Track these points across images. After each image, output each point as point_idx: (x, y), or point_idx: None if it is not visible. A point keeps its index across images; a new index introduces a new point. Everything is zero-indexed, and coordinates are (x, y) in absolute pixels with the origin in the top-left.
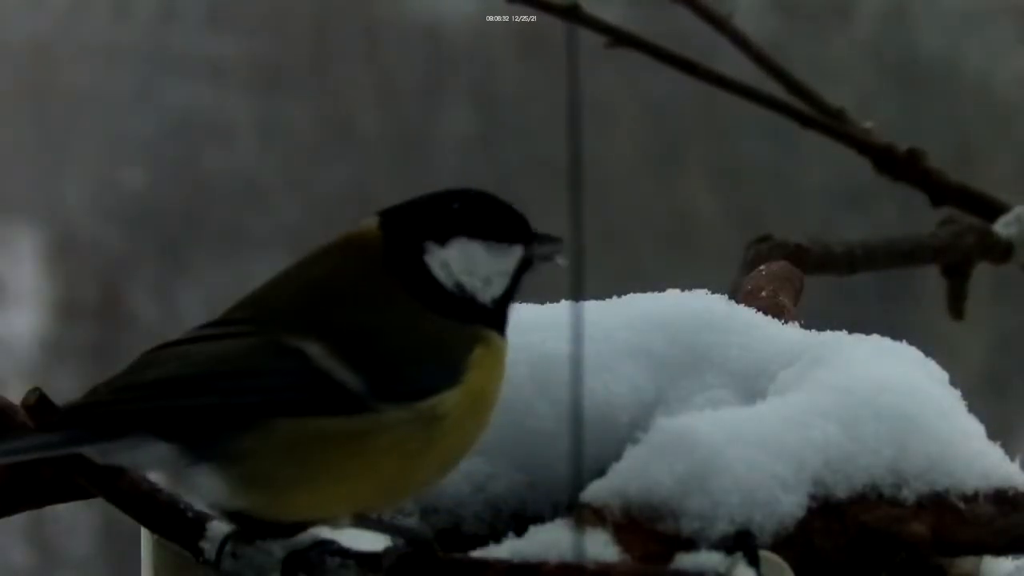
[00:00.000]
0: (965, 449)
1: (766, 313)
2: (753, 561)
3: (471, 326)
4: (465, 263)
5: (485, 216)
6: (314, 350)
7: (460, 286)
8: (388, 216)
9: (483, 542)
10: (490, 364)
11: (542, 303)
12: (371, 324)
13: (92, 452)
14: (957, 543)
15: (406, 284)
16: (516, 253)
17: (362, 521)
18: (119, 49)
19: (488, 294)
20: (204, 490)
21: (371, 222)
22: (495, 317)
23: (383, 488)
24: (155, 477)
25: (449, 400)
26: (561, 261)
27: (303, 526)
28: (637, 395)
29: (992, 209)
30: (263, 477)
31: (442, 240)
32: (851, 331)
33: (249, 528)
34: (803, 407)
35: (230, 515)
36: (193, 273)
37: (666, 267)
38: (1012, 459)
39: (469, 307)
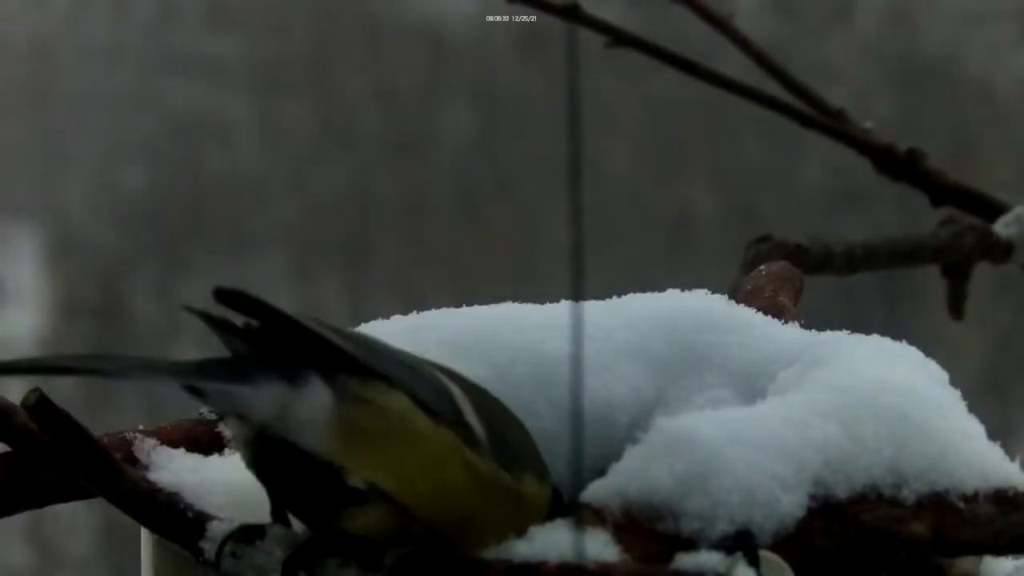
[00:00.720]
0: (965, 449)
1: (766, 313)
2: (753, 561)
3: None
4: None
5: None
6: (458, 394)
7: None
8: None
9: None
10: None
11: (542, 303)
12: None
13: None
14: (957, 543)
15: None
16: None
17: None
18: (119, 49)
19: None
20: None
21: (543, 492)
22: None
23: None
24: (154, 477)
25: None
26: None
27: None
28: (637, 395)
29: (992, 209)
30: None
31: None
32: (851, 331)
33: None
34: (803, 407)
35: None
36: (193, 273)
37: (666, 267)
38: (1012, 459)
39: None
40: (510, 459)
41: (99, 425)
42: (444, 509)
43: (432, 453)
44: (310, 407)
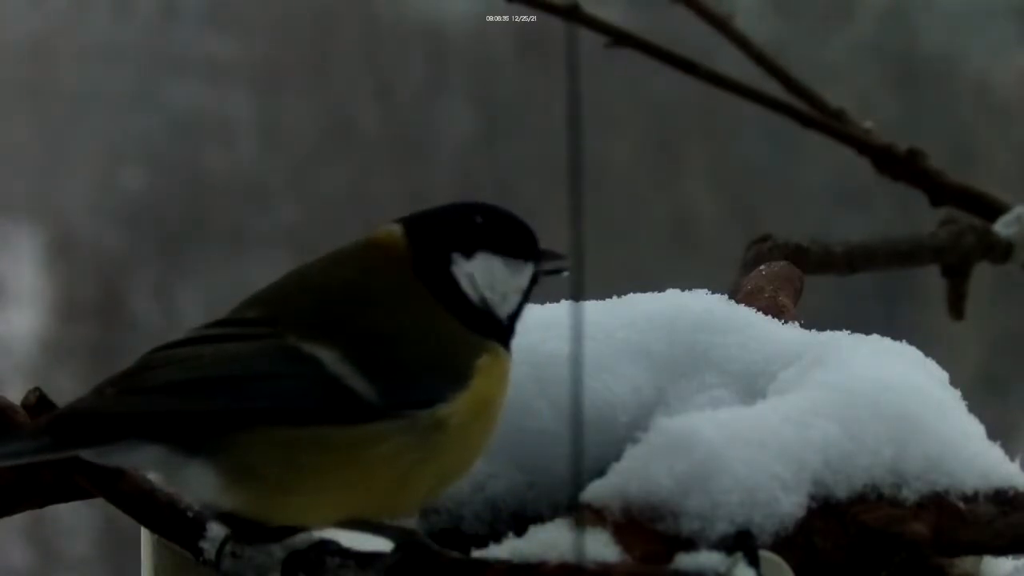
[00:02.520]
0: (965, 449)
1: (766, 313)
2: (753, 561)
3: (485, 339)
4: (488, 278)
5: (504, 232)
6: (328, 356)
7: (483, 300)
8: (411, 224)
9: (483, 542)
10: (497, 375)
11: (542, 303)
12: (391, 330)
13: (88, 455)
14: (957, 543)
15: (435, 293)
16: (529, 270)
17: (352, 523)
18: (119, 49)
19: (504, 310)
20: (196, 488)
21: (394, 229)
22: (507, 333)
23: (379, 498)
24: (155, 477)
25: (451, 409)
26: (565, 274)
27: (293, 530)
28: (637, 395)
29: (992, 209)
30: (256, 478)
31: (468, 253)
32: (851, 331)
33: (240, 530)
34: (803, 407)
35: (221, 516)
36: (193, 273)
37: (666, 267)
38: (1012, 459)
39: (488, 321)
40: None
41: None
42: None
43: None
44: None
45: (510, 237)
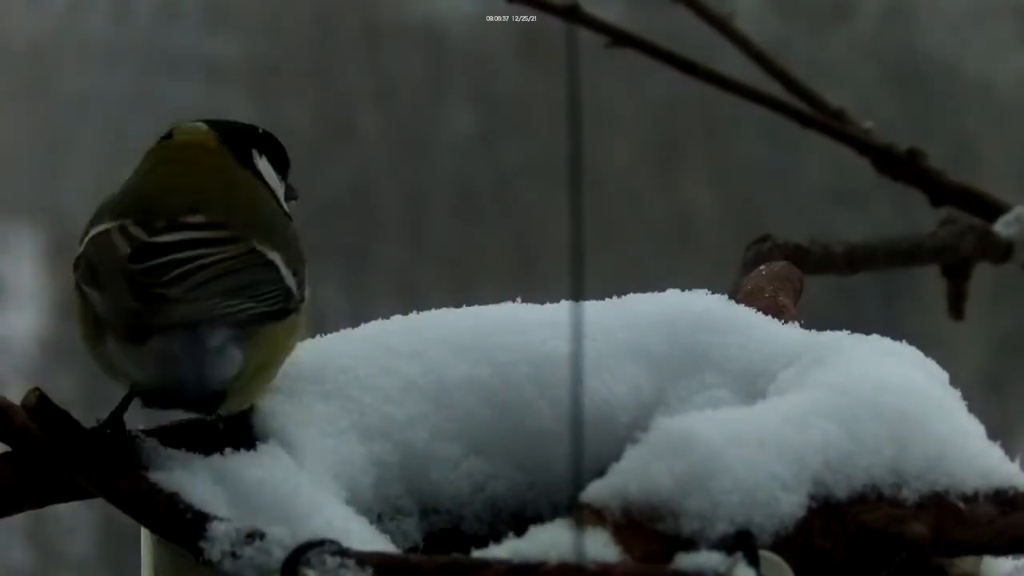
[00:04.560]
0: (965, 449)
1: (766, 313)
2: (753, 561)
3: None
4: (271, 177)
5: (274, 146)
6: (278, 259)
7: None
8: (213, 125)
9: (483, 542)
10: None
11: (542, 303)
12: (285, 227)
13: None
14: (957, 543)
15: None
16: (283, 188)
17: None
18: (119, 49)
19: None
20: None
21: (198, 126)
22: None
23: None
24: (154, 477)
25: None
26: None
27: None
28: (637, 395)
29: (992, 209)
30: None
31: (260, 152)
32: (851, 331)
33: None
34: (803, 407)
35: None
36: None
37: (666, 267)
38: (1012, 459)
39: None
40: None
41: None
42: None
43: None
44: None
45: (279, 152)
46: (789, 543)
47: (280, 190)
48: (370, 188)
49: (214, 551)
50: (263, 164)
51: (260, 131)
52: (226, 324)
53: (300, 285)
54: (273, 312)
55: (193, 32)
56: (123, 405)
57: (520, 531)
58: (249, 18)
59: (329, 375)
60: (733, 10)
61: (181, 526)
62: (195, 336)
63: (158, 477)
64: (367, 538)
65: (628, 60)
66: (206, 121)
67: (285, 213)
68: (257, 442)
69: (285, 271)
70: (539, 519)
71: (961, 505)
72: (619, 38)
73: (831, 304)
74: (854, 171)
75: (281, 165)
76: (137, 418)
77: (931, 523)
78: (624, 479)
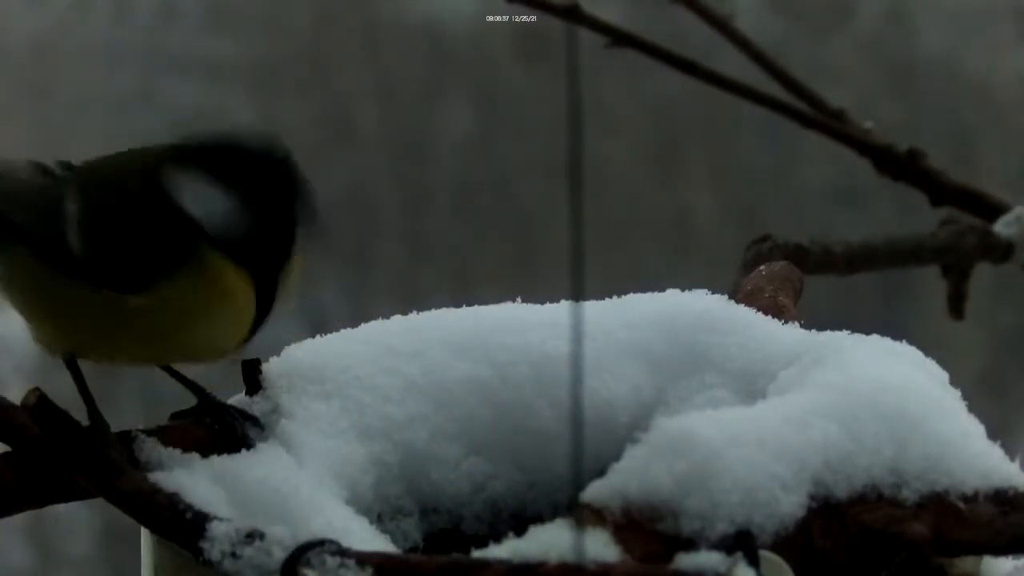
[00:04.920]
0: (965, 449)
1: (766, 313)
2: (753, 561)
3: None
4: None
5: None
6: (71, 209)
7: None
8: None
9: (483, 542)
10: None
11: (542, 303)
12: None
13: None
14: (957, 543)
15: None
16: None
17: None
18: (119, 49)
19: None
20: None
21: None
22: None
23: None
24: (154, 477)
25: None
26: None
27: None
28: (637, 395)
29: (992, 209)
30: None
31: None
32: (851, 331)
33: None
34: (803, 407)
35: None
36: None
37: (666, 267)
38: (1012, 459)
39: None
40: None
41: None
42: (73, 332)
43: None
44: None
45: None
46: (789, 543)
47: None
48: (370, 188)
49: (214, 551)
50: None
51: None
52: None
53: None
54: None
55: (193, 32)
56: (89, 399)
57: (520, 531)
58: (249, 18)
59: (329, 375)
60: (733, 10)
61: (181, 526)
62: None
63: (158, 477)
64: (367, 538)
65: (628, 60)
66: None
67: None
68: (257, 442)
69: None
70: (539, 519)
71: (961, 505)
72: (619, 38)
73: (831, 304)
74: (854, 171)
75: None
76: (137, 418)
77: (931, 523)
78: (624, 479)
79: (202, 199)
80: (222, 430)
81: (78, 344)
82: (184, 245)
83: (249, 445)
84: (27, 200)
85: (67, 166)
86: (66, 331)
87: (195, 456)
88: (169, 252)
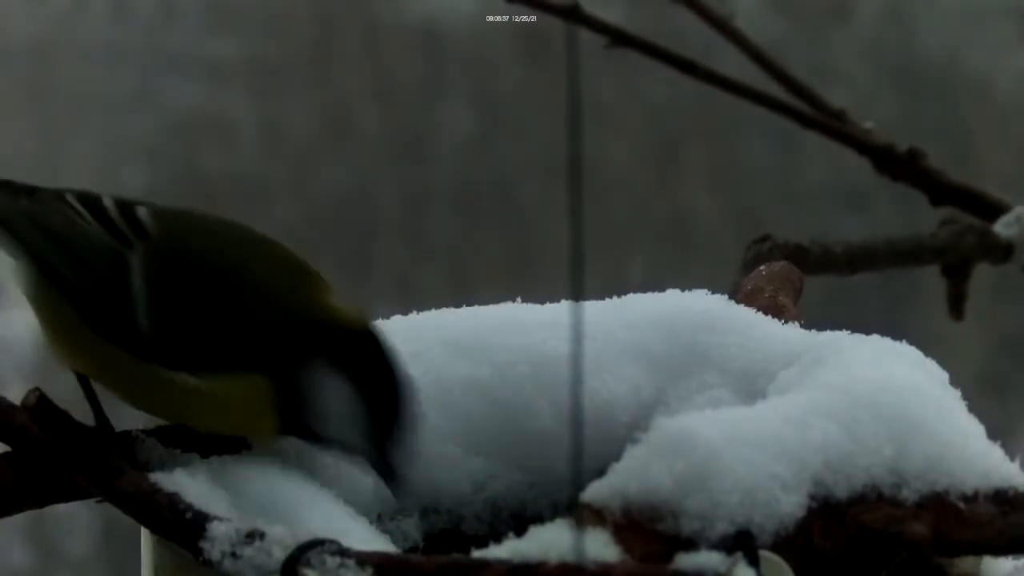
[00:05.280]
0: (965, 449)
1: (766, 313)
2: (753, 561)
3: None
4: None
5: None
6: (140, 285)
7: None
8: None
9: (483, 542)
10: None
11: (542, 303)
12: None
13: None
14: (957, 543)
15: None
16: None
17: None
18: (119, 49)
19: None
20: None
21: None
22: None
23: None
24: (154, 477)
25: None
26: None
27: None
28: (637, 395)
29: (992, 209)
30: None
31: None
32: (851, 331)
33: None
34: (803, 407)
35: None
36: None
37: (666, 267)
38: (1012, 459)
39: None
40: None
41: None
42: (108, 382)
43: (53, 325)
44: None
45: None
46: (789, 543)
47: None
48: (370, 188)
49: (214, 551)
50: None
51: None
52: None
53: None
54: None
55: (193, 32)
56: (95, 401)
57: (520, 531)
58: (249, 18)
59: None
60: (733, 10)
61: (181, 526)
62: None
63: (158, 477)
64: (367, 538)
65: (628, 60)
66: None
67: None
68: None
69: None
70: (539, 519)
71: (961, 505)
72: (619, 38)
73: (831, 304)
74: (854, 171)
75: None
76: (137, 418)
77: (931, 523)
78: (624, 479)
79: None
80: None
81: (106, 385)
82: (251, 363)
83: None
84: (84, 255)
85: (128, 214)
86: (97, 373)
87: (195, 456)
88: (237, 360)
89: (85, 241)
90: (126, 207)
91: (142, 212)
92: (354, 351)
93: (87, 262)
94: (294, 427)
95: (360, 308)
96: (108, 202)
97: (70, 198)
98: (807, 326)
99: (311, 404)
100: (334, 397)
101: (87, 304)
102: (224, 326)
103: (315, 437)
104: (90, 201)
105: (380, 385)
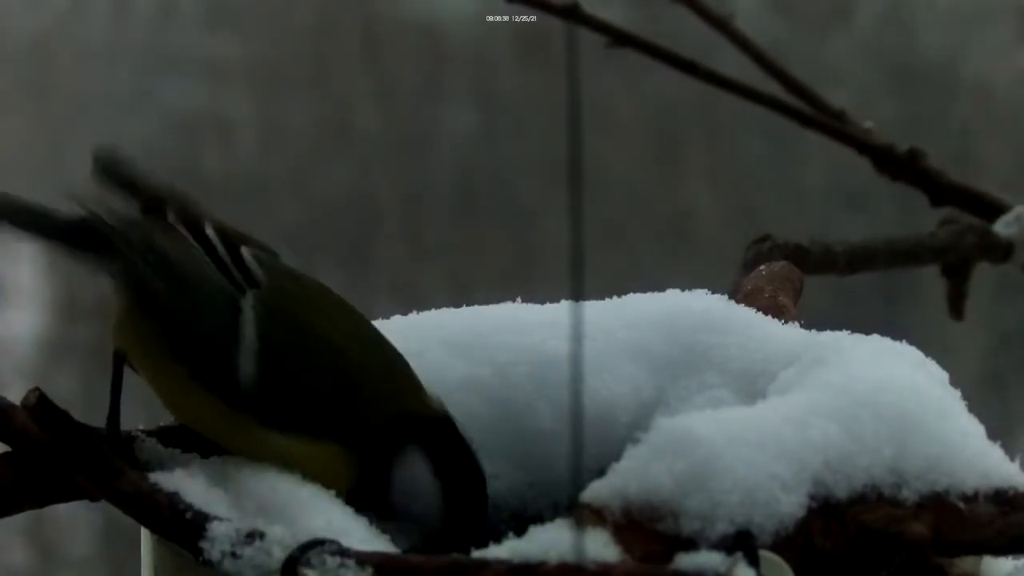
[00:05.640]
0: (965, 449)
1: (766, 313)
2: (753, 561)
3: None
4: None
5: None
6: (251, 336)
7: None
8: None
9: (483, 542)
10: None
11: (542, 303)
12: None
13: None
14: (957, 543)
15: None
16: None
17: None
18: (119, 49)
19: None
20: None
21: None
22: None
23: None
24: (154, 477)
25: None
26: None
27: None
28: (637, 395)
29: (992, 209)
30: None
31: None
32: (851, 331)
33: None
34: (803, 407)
35: None
36: None
37: (666, 267)
38: (1012, 459)
39: None
40: (289, 412)
41: (99, 425)
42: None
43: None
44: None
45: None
46: (789, 543)
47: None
48: (370, 188)
49: (214, 551)
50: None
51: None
52: None
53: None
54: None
55: (193, 32)
56: (114, 407)
57: (520, 531)
58: (249, 18)
59: None
60: (733, 10)
61: (181, 526)
62: None
63: (158, 477)
64: (367, 538)
65: (628, 60)
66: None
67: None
68: None
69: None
70: (539, 519)
71: (961, 505)
72: (619, 38)
73: (831, 304)
74: (854, 171)
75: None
76: (137, 418)
77: (931, 523)
78: (624, 479)
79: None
80: None
81: (171, 411)
82: (340, 436)
83: None
84: (198, 290)
85: (235, 254)
86: (165, 398)
87: (195, 456)
88: (326, 430)
89: (200, 278)
90: (230, 244)
91: (247, 254)
92: (439, 440)
93: (199, 298)
94: (368, 500)
95: (439, 400)
96: (211, 231)
97: (176, 224)
98: (807, 326)
99: (395, 482)
100: (418, 479)
101: (187, 341)
102: (324, 396)
103: (387, 512)
104: (193, 225)
105: (461, 474)
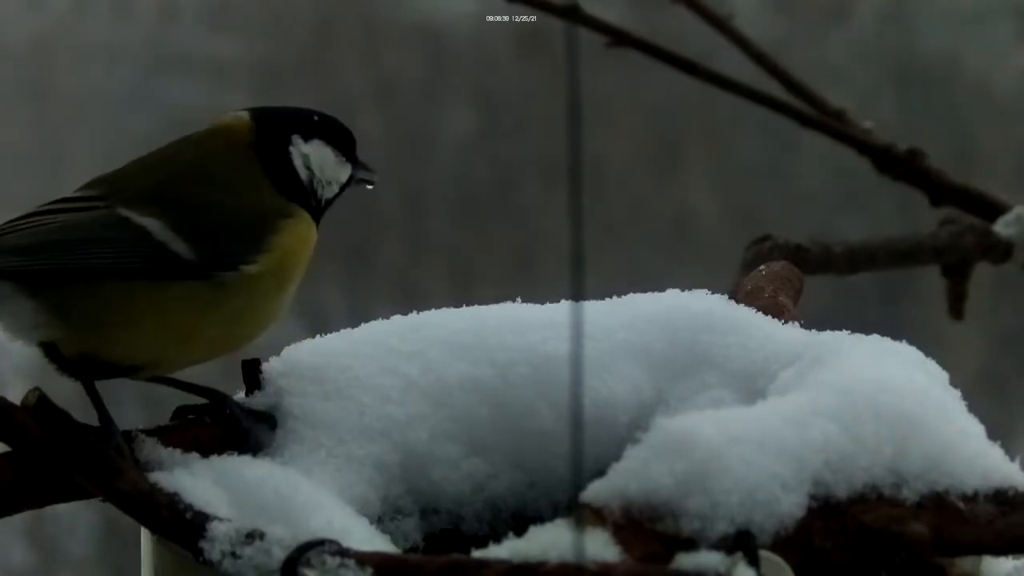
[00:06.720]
0: (965, 449)
1: (766, 313)
2: (753, 561)
3: (297, 208)
4: (320, 161)
5: (336, 131)
6: (154, 224)
7: (310, 179)
8: (258, 112)
9: (483, 542)
10: (298, 236)
11: (542, 303)
12: (212, 201)
13: None
14: (957, 543)
15: (266, 168)
16: (349, 169)
17: (163, 380)
18: (119, 49)
19: (324, 193)
20: (30, 321)
21: (241, 115)
22: (319, 212)
23: (180, 343)
24: (154, 477)
25: (256, 269)
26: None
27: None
28: (637, 395)
29: (992, 209)
30: (86, 317)
31: (307, 137)
32: (851, 331)
33: (78, 368)
34: (803, 407)
35: (45, 346)
36: None
37: (666, 267)
38: (1012, 459)
39: (307, 196)
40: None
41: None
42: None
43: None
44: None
45: (341, 136)
46: (789, 543)
47: (333, 172)
48: (370, 188)
49: (214, 551)
50: (307, 147)
51: (315, 117)
52: (13, 277)
53: (204, 255)
54: (121, 268)
55: (193, 32)
56: (98, 401)
57: (520, 531)
58: (249, 18)
59: (329, 375)
60: (733, 10)
61: (181, 526)
62: None
63: (158, 477)
64: (367, 538)
65: (628, 60)
66: (259, 108)
67: (275, 196)
68: (269, 444)
69: (164, 234)
70: (539, 519)
71: (961, 505)
72: (619, 38)
73: (831, 304)
74: (854, 171)
75: (345, 149)
76: (137, 418)
77: (931, 523)
78: (624, 479)
79: (307, 156)
80: (231, 434)
81: (155, 352)
82: (283, 205)
83: (261, 448)
84: (92, 236)
85: (93, 197)
86: (162, 337)
87: (195, 456)
88: (274, 214)
89: (86, 224)
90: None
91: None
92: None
93: (101, 240)
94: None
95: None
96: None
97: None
98: (807, 326)
99: None
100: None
101: (137, 268)
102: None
103: None
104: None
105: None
